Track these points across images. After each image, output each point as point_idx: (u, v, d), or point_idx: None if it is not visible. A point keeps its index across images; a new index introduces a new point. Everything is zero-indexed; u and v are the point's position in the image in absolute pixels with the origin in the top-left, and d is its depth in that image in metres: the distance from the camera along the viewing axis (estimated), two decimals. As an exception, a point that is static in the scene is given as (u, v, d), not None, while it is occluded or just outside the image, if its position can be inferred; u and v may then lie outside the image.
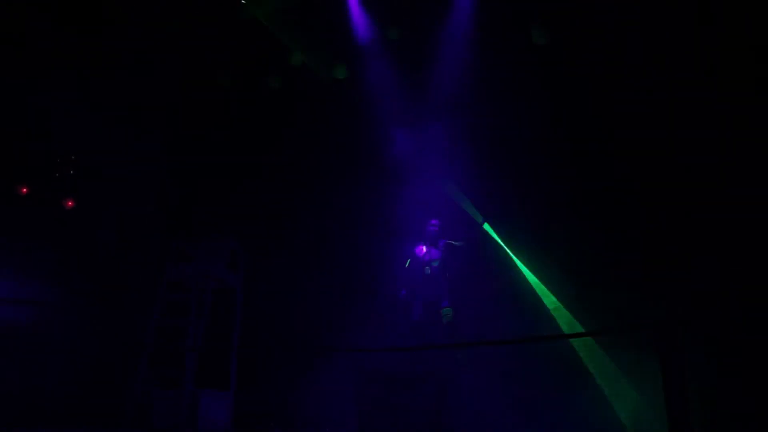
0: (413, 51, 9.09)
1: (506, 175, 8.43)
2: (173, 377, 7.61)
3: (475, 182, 8.52)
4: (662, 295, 6.91)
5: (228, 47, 9.41)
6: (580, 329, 7.63)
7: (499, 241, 8.02)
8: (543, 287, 8.04)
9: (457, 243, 7.60)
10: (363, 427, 6.62)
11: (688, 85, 7.25)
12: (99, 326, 8.47)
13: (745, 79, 6.90)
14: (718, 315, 6.63)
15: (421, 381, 6.78)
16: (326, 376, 8.13)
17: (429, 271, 7.55)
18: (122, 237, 9.07)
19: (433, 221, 7.76)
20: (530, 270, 8.18)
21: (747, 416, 6.24)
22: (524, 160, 8.42)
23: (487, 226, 7.80)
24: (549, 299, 7.92)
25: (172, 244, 8.28)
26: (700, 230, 6.97)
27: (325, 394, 8.04)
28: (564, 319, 7.77)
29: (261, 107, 9.66)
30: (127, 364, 7.99)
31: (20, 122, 8.61)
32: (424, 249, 7.66)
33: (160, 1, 9.07)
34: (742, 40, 6.91)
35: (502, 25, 8.40)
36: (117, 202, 9.19)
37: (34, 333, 8.02)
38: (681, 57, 7.28)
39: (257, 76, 9.55)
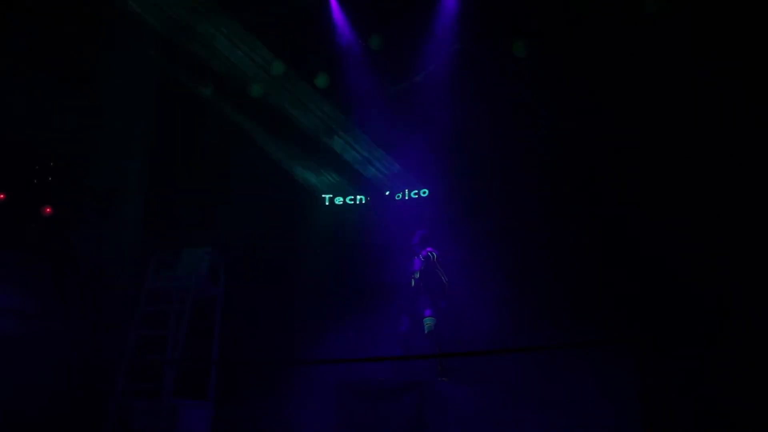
0: (396, 60, 9.13)
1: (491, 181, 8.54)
2: (152, 388, 7.56)
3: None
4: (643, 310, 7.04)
5: (208, 57, 9.40)
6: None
7: None
8: None
9: (433, 254, 7.59)
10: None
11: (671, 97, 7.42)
12: (78, 337, 8.39)
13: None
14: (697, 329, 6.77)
15: (401, 392, 6.80)
16: (307, 387, 8.12)
17: (413, 283, 7.57)
18: (103, 247, 8.98)
19: (417, 231, 7.75)
20: None
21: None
22: (509, 167, 8.51)
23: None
24: None
25: (153, 256, 8.23)
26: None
27: (306, 406, 8.03)
28: None
29: (243, 117, 9.63)
30: (107, 375, 7.92)
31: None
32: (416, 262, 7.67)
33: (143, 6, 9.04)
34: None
35: (485, 38, 8.48)
36: (97, 212, 9.10)
37: (11, 344, 7.93)
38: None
39: (238, 85, 9.53)
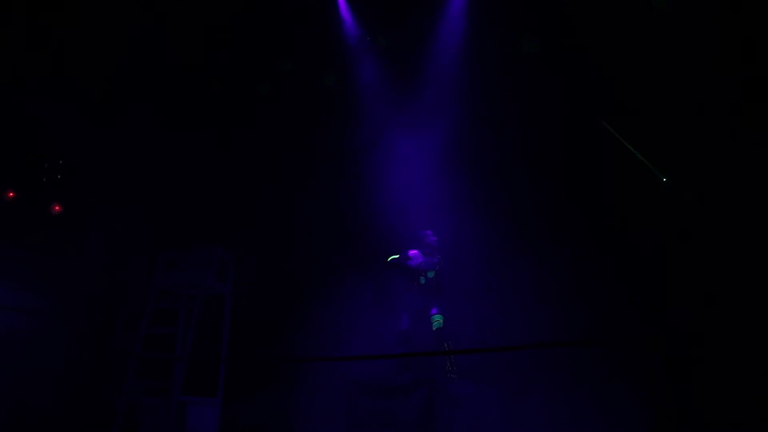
0: (404, 57, 9.14)
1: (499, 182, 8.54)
2: (161, 386, 7.60)
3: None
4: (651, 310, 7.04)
5: (219, 54, 9.43)
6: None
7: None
8: None
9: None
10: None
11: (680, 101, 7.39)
12: (87, 334, 8.44)
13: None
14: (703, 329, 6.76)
15: (410, 389, 6.79)
16: (315, 385, 8.13)
17: (424, 281, 7.55)
18: (112, 245, 9.02)
19: (429, 231, 7.73)
20: None
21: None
22: (515, 167, 8.50)
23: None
24: None
25: (162, 253, 8.26)
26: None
27: (314, 404, 8.03)
28: None
29: (253, 115, 9.64)
30: (116, 373, 7.96)
31: (7, 126, 8.56)
32: (420, 257, 7.63)
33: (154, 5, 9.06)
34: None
35: (493, 34, 8.47)
36: (107, 209, 9.15)
37: (22, 341, 7.98)
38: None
39: (248, 82, 9.55)
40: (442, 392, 6.70)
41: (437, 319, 7.32)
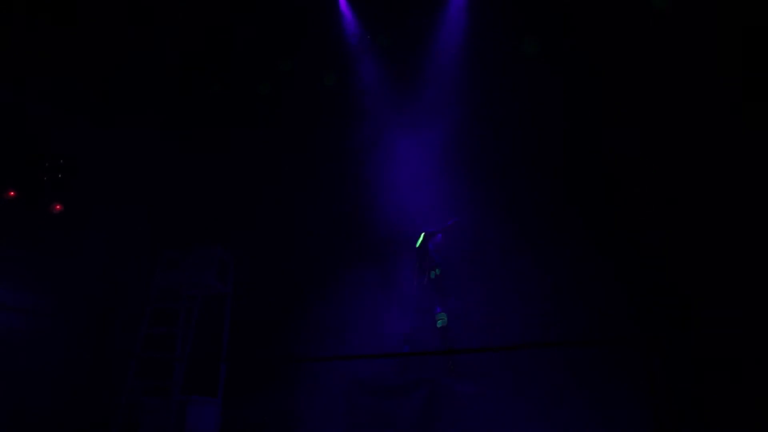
0: (404, 57, 9.15)
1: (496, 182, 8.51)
2: (161, 385, 7.60)
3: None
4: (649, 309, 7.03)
5: (219, 54, 9.43)
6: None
7: None
8: None
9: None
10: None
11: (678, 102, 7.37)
12: (88, 334, 8.44)
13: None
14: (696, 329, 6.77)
15: (410, 389, 6.80)
16: (315, 384, 8.12)
17: (433, 276, 7.57)
18: (112, 245, 9.02)
19: (432, 230, 7.77)
20: None
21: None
22: (515, 167, 8.49)
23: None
24: None
25: (162, 253, 8.27)
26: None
27: (314, 403, 8.03)
28: None
29: (253, 115, 9.64)
30: (116, 373, 7.96)
31: (7, 126, 8.57)
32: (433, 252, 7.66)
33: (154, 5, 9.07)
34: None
35: (493, 34, 8.47)
36: (107, 209, 9.15)
37: (23, 341, 7.99)
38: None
39: (248, 82, 9.55)
40: (442, 392, 6.70)
41: (442, 317, 7.34)
